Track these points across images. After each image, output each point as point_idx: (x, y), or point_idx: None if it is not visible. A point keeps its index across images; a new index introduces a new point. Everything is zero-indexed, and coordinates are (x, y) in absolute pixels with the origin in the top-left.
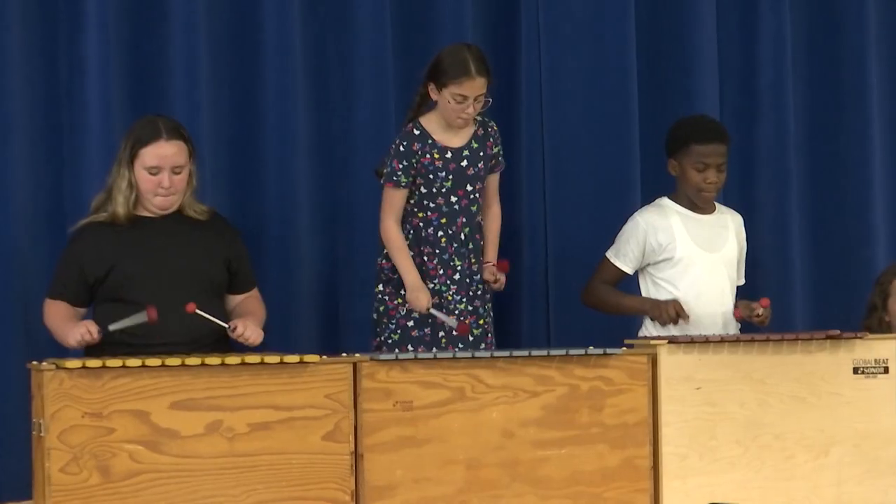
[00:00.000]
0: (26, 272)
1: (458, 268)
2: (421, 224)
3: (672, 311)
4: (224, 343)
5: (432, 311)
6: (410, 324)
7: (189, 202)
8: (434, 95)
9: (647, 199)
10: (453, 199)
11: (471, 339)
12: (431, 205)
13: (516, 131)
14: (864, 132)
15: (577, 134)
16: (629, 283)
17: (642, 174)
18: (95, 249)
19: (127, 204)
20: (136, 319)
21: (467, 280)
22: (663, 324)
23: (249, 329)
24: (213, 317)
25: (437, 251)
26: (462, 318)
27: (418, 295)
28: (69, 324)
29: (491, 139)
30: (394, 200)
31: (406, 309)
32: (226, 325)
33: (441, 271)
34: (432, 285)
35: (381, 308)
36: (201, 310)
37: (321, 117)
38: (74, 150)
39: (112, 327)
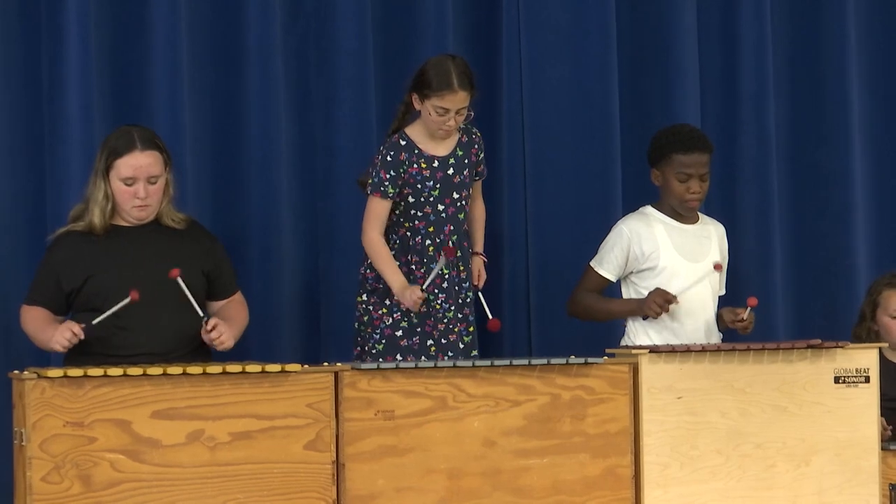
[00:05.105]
0: (7, 282)
1: (446, 276)
2: (408, 234)
3: (660, 301)
4: (203, 353)
5: (424, 288)
6: (399, 333)
7: (167, 211)
8: (417, 106)
9: (629, 208)
10: (440, 207)
11: (461, 346)
12: (419, 214)
13: (498, 140)
14: (846, 141)
15: (559, 143)
16: (614, 293)
17: (624, 183)
18: (72, 259)
19: (103, 215)
20: (118, 305)
21: (456, 288)
22: (656, 316)
23: (223, 329)
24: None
25: (425, 260)
26: (452, 327)
27: (407, 293)
28: (50, 328)
29: (475, 146)
30: (378, 211)
31: (393, 318)
32: (202, 316)
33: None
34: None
35: (366, 318)
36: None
37: (303, 127)
38: (56, 159)
39: (96, 321)
